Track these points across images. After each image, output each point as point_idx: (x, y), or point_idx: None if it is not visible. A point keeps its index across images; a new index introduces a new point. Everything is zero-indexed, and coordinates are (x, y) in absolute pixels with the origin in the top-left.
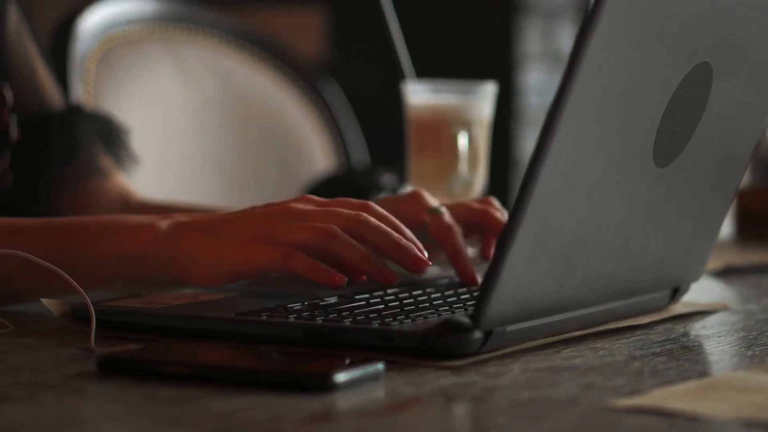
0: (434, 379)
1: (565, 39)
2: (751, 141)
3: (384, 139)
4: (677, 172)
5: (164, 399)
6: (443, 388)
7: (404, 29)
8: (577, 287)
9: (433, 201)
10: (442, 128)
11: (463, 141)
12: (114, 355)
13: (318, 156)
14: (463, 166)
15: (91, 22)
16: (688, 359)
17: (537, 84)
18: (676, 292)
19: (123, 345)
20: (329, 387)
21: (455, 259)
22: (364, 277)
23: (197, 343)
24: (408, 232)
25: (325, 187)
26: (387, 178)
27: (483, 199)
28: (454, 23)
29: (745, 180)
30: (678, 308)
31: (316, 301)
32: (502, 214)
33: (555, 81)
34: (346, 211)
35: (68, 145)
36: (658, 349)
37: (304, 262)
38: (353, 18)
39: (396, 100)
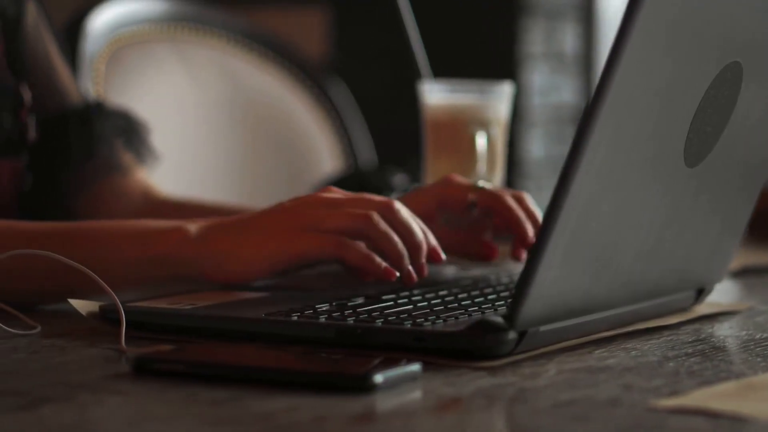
0: (471, 380)
1: (569, 39)
2: None
3: (386, 139)
4: (706, 171)
5: (205, 400)
6: (482, 388)
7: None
8: (607, 288)
9: (468, 181)
10: (459, 128)
11: (481, 141)
12: (150, 356)
13: (325, 156)
14: (481, 167)
15: (99, 22)
16: (722, 360)
17: (540, 84)
18: (701, 293)
19: (154, 346)
20: (369, 387)
21: (511, 218)
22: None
23: (230, 344)
24: (429, 232)
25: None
26: (398, 179)
27: (517, 194)
28: (457, 23)
29: None
30: (703, 309)
31: (343, 301)
32: (536, 214)
33: (558, 81)
34: (377, 198)
35: (86, 142)
36: (690, 350)
37: (359, 252)
38: (355, 18)
39: (399, 100)
